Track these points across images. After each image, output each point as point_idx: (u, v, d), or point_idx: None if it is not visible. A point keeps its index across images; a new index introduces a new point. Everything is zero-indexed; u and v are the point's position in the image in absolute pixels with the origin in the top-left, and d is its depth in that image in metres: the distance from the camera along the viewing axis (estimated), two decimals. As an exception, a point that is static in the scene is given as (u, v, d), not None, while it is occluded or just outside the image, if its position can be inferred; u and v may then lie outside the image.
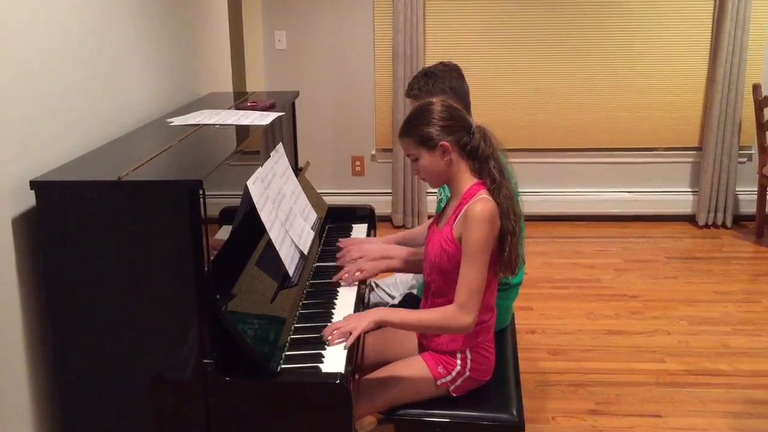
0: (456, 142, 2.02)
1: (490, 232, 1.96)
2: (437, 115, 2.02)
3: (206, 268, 1.77)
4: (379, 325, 2.06)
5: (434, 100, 2.09)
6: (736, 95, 4.82)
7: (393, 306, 2.62)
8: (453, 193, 2.11)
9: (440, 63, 2.54)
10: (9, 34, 1.77)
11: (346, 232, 2.82)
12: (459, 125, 2.03)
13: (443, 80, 2.45)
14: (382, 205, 4.80)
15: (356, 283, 2.34)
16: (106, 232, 1.76)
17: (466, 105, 2.49)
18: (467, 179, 2.05)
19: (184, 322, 1.78)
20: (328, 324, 2.03)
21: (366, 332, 2.05)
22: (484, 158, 2.03)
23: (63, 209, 1.76)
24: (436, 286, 2.10)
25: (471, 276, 1.96)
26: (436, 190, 2.54)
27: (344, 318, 2.06)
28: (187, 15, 3.10)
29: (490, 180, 2.01)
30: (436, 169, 2.06)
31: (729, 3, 4.66)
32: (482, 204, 1.96)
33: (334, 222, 2.89)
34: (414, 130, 2.05)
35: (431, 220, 2.78)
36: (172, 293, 1.78)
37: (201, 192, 1.72)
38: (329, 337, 1.96)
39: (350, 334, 1.95)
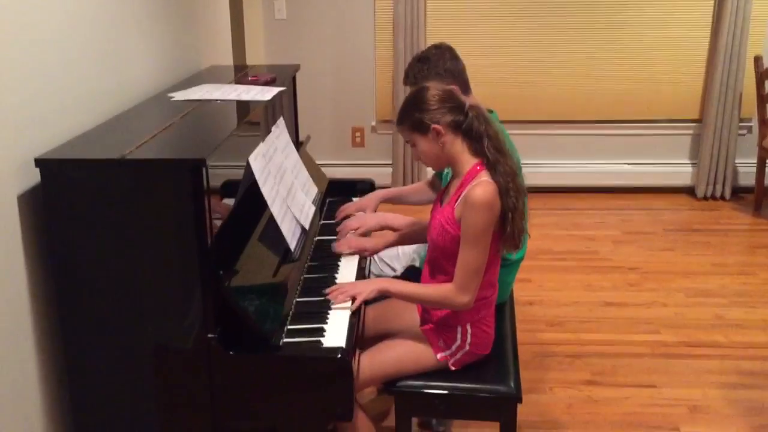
0: (448, 124, 2.04)
1: (490, 217, 1.98)
2: (428, 100, 2.05)
3: (209, 245, 1.80)
4: (381, 294, 2.13)
5: (427, 85, 2.12)
6: (738, 67, 4.80)
7: (395, 278, 2.65)
8: (454, 174, 2.12)
9: (432, 46, 2.55)
10: (10, 14, 1.77)
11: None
12: (451, 107, 2.05)
13: (437, 63, 2.45)
14: (382, 177, 4.81)
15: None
16: (111, 208, 1.78)
17: (464, 83, 2.49)
18: (467, 160, 2.06)
19: (188, 298, 1.81)
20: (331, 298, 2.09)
21: (368, 300, 2.11)
22: (478, 137, 2.05)
23: (68, 186, 1.78)
24: (439, 264, 2.13)
25: (469, 258, 2.00)
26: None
27: (349, 283, 2.15)
28: (187, -13, 3.09)
29: (486, 159, 2.03)
30: (434, 153, 2.09)
31: (732, -27, 4.62)
32: (482, 188, 1.97)
33: (335, 196, 2.90)
34: (407, 117, 2.09)
35: (425, 181, 2.83)
36: (176, 270, 1.81)
37: (204, 170, 1.74)
38: (335, 297, 2.07)
39: (355, 299, 2.06)
